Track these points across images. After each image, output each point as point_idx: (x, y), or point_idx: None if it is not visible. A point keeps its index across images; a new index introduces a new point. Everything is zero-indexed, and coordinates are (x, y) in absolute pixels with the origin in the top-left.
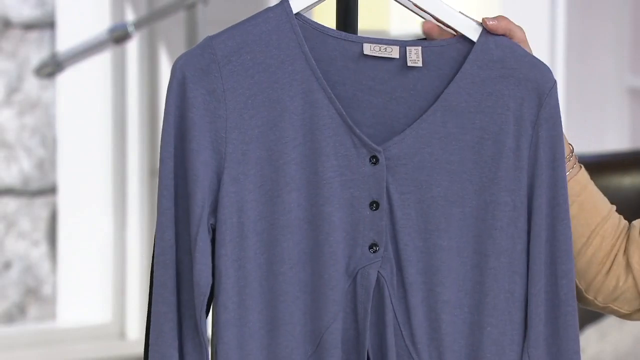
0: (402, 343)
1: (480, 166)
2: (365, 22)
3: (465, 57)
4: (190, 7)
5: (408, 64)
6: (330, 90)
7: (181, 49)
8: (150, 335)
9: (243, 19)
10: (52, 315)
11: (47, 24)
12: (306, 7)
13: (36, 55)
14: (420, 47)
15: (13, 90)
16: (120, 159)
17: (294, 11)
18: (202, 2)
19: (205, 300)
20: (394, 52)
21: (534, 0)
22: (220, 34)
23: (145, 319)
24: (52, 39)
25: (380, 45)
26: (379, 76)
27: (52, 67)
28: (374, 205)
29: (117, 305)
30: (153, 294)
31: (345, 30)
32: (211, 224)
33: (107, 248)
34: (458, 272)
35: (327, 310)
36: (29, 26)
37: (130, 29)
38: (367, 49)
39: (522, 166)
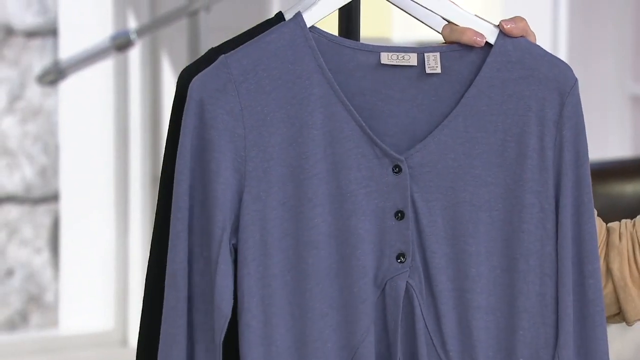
0: (434, 352)
1: (504, 169)
2: (368, 31)
3: (484, 61)
4: (193, 15)
5: (427, 71)
6: (348, 103)
7: (183, 56)
8: (159, 357)
9: (245, 26)
10: (54, 323)
11: (49, 32)
12: (320, 19)
13: (39, 62)
14: (438, 53)
15: (15, 97)
16: (122, 166)
17: (308, 25)
18: (205, 9)
19: (227, 324)
20: (412, 60)
21: (536, 6)
22: (236, 52)
23: (139, 328)
24: (55, 47)
25: (397, 54)
26: (398, 85)
27: (54, 75)
28: (399, 214)
29: (119, 313)
30: (164, 316)
31: (347, 38)
32: (233, 244)
33: (109, 255)
34: (488, 277)
35: (360, 324)
36: (31, 34)
37: (133, 36)
38: (385, 58)
39: (547, 167)
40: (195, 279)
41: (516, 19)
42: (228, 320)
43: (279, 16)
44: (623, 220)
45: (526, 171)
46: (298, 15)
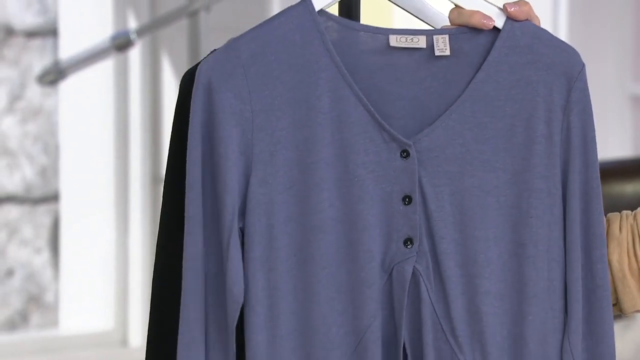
0: (443, 337)
1: (512, 154)
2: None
3: (492, 44)
4: (193, 15)
5: (436, 54)
6: (356, 86)
7: (184, 57)
8: (180, 343)
9: (245, 26)
10: (54, 323)
11: (49, 32)
12: (328, 4)
13: (39, 62)
14: (447, 36)
15: (16, 97)
16: (122, 166)
17: (316, 8)
18: (205, 9)
19: (239, 308)
20: (421, 42)
21: (535, 7)
22: (244, 36)
23: (147, 326)
24: (55, 47)
25: (406, 36)
26: (406, 67)
27: (54, 75)
28: (407, 199)
29: (120, 313)
30: (183, 301)
31: (356, 22)
32: (240, 227)
33: (109, 255)
34: (496, 262)
35: (367, 309)
36: (31, 34)
37: (133, 36)
38: (394, 41)
39: (555, 152)
40: (209, 263)
41: (520, 3)
42: (240, 304)
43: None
44: (624, 212)
45: (534, 156)
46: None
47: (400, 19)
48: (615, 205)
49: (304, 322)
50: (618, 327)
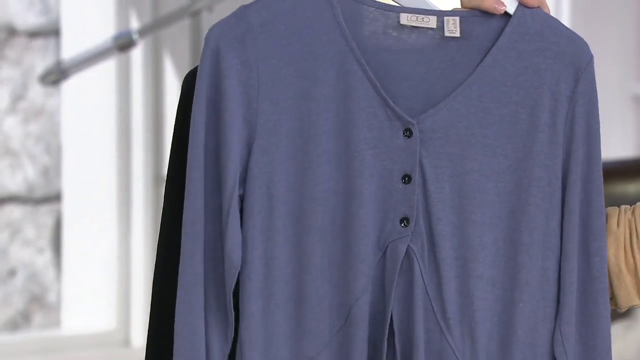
0: (434, 318)
1: (515, 141)
2: None
3: (502, 29)
4: (195, 15)
5: (445, 34)
6: (364, 62)
7: (186, 57)
8: (178, 306)
9: None
10: (56, 323)
11: (52, 32)
12: None
13: (41, 62)
14: (458, 17)
15: (18, 97)
16: (125, 166)
17: None
18: (207, 9)
19: (237, 274)
20: (432, 22)
21: None
22: (255, 3)
23: (147, 326)
24: (57, 47)
25: (417, 15)
26: (415, 46)
27: (56, 75)
28: (407, 178)
29: (122, 313)
30: (182, 265)
31: None
32: (239, 195)
33: (111, 255)
34: (491, 247)
35: (356, 283)
36: (33, 34)
37: (135, 36)
38: (404, 19)
39: (558, 141)
40: (208, 228)
41: None
42: (238, 270)
43: None
44: (622, 206)
45: (536, 144)
46: None
47: None
48: (617, 205)
49: (298, 292)
50: (620, 327)
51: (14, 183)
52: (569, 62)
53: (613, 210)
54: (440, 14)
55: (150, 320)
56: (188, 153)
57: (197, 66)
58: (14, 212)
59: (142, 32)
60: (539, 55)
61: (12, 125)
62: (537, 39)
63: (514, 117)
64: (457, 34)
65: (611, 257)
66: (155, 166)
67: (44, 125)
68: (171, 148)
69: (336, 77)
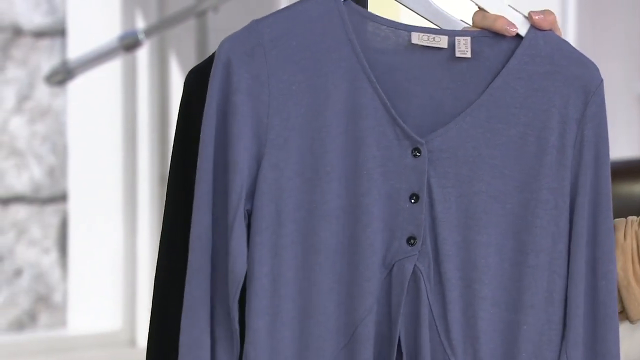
0: (437, 338)
1: (522, 163)
2: None
3: (513, 51)
4: (201, 15)
5: (456, 55)
6: (375, 80)
7: (191, 57)
8: (183, 321)
9: None
10: (62, 323)
11: (57, 32)
12: None
13: (47, 63)
14: (469, 38)
15: (24, 97)
16: (130, 166)
17: None
18: (213, 9)
19: (239, 288)
20: (443, 42)
21: (544, 8)
22: (267, 18)
23: (148, 326)
24: (63, 47)
25: (428, 35)
26: (426, 66)
27: (62, 75)
28: (414, 197)
29: (128, 313)
30: (188, 278)
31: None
32: (247, 210)
33: (117, 255)
34: (496, 269)
35: (362, 302)
36: (39, 34)
37: (141, 36)
38: (415, 38)
39: (566, 164)
40: (216, 242)
41: (546, 12)
42: (241, 284)
43: None
44: (629, 218)
45: (544, 167)
46: None
47: (407, 21)
48: (623, 205)
49: (304, 310)
50: (626, 328)
51: (20, 183)
52: (578, 86)
53: (620, 223)
54: (452, 34)
55: (151, 319)
56: (197, 167)
57: (200, 63)
58: (20, 212)
59: (148, 32)
60: (549, 78)
61: (18, 125)
62: (548, 61)
63: (522, 139)
64: (468, 55)
65: (619, 270)
66: (161, 166)
67: (49, 125)
68: (173, 147)
69: (346, 94)
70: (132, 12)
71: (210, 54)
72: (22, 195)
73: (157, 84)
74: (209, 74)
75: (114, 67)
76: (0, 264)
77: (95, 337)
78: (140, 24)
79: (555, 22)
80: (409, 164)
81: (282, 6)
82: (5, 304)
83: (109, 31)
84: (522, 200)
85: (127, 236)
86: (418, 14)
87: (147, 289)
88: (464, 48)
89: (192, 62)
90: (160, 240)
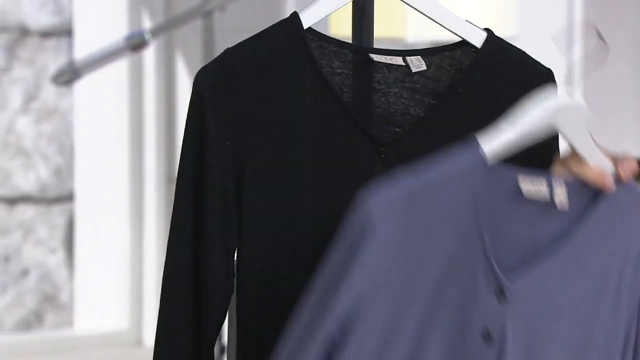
0: None
1: (585, 305)
2: (382, 31)
3: (596, 201)
4: (207, 15)
5: (555, 200)
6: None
7: (198, 57)
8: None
9: (259, 26)
10: (69, 323)
11: (64, 32)
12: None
13: (54, 63)
14: (565, 188)
15: (31, 97)
16: (137, 166)
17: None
18: (219, 9)
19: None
20: (544, 192)
21: (550, 8)
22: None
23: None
24: (70, 47)
25: (536, 185)
26: (527, 212)
27: (69, 75)
28: (488, 335)
29: (134, 313)
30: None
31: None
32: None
33: (124, 255)
34: None
35: None
36: (46, 34)
37: (147, 36)
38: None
39: (622, 305)
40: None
41: (628, 160)
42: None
43: (294, 16)
44: None
45: (602, 309)
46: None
47: (414, 22)
48: None
49: None
50: None
51: (27, 183)
52: None
53: None
54: (548, 178)
55: (158, 319)
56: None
57: (209, 63)
58: (27, 212)
59: (155, 32)
60: (624, 227)
61: (24, 125)
62: (627, 214)
63: (591, 284)
64: (566, 208)
65: None
66: (167, 166)
67: (56, 125)
68: (182, 145)
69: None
70: (138, 12)
71: (217, 53)
72: (29, 195)
73: (163, 84)
74: (219, 74)
75: (120, 67)
76: (7, 264)
77: (101, 337)
78: (147, 23)
79: (636, 167)
80: (492, 303)
81: (289, 6)
82: (12, 303)
83: (116, 31)
84: (582, 344)
85: (133, 236)
86: (424, 14)
87: (153, 288)
88: (563, 199)
89: (199, 62)
90: (169, 239)
